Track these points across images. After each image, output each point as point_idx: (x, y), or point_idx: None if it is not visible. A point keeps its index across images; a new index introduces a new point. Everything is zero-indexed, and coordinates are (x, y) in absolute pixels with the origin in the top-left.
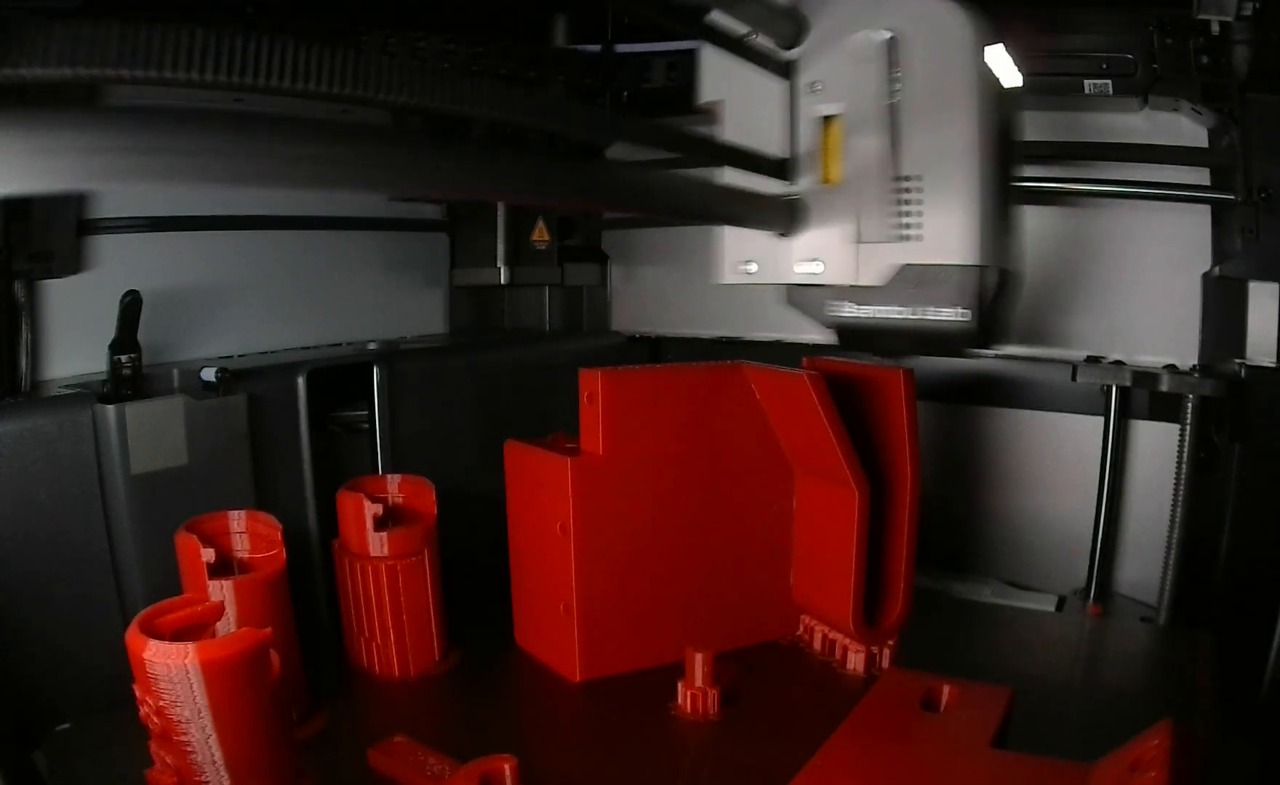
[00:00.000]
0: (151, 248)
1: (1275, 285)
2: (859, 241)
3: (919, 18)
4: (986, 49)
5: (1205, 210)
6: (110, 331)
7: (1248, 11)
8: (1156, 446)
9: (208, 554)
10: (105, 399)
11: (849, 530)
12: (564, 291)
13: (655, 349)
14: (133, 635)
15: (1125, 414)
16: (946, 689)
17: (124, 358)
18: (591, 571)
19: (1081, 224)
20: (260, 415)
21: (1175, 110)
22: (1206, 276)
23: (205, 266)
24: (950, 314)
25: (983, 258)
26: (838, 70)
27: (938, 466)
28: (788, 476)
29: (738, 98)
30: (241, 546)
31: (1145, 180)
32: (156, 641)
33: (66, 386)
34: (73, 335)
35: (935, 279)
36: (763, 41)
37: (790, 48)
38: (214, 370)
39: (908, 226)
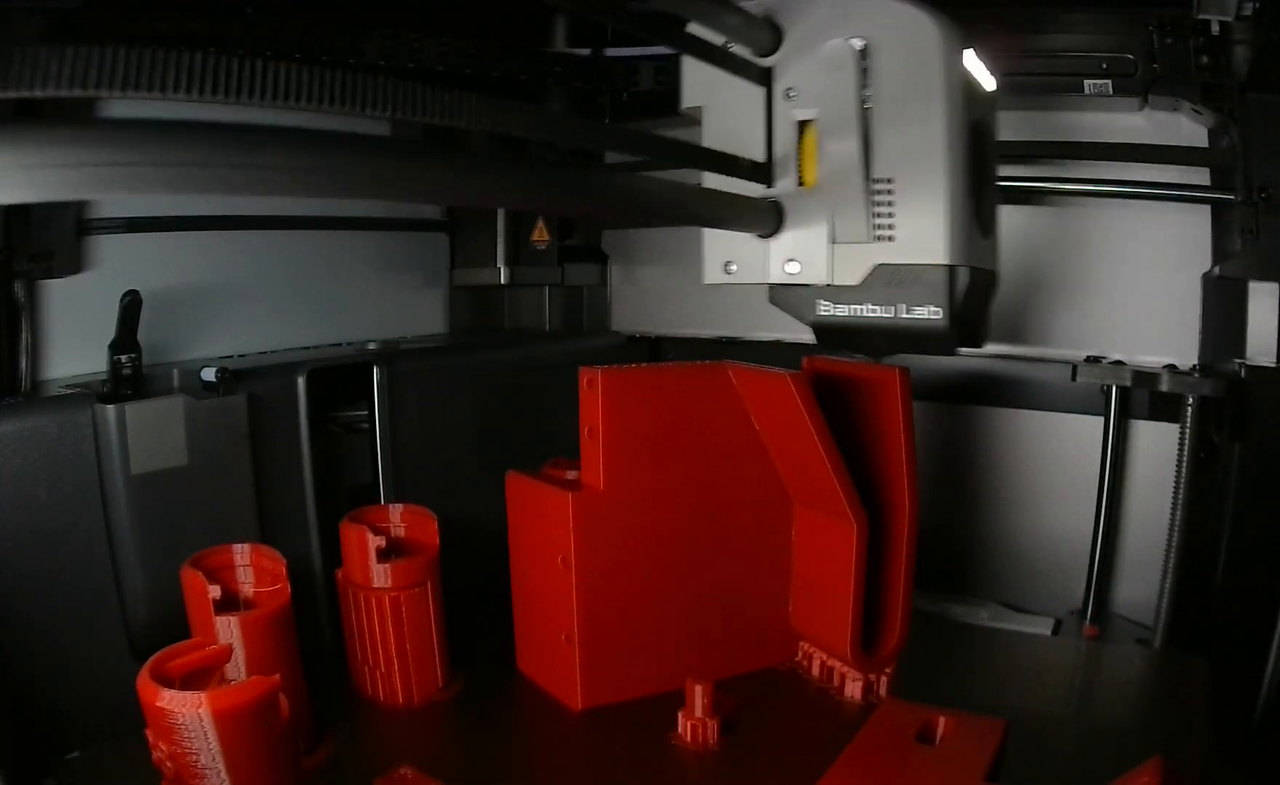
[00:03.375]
0: (151, 248)
1: (1275, 285)
2: (835, 242)
3: (889, 25)
4: (957, 54)
5: (1205, 210)
6: (110, 331)
7: (1248, 11)
8: (1156, 447)
9: (214, 591)
10: (105, 399)
11: (847, 561)
12: (564, 291)
13: (655, 349)
14: (144, 683)
15: (1125, 414)
16: (942, 721)
17: (124, 358)
18: (592, 602)
19: (1082, 224)
20: (260, 415)
21: (1175, 110)
22: (1206, 276)
23: (205, 266)
24: (923, 312)
25: (953, 257)
26: (812, 77)
27: (936, 470)
28: (786, 504)
29: (718, 104)
30: (246, 580)
31: (1145, 180)
32: (169, 691)
33: (66, 386)
34: (73, 335)
35: (908, 278)
36: (740, 50)
37: (767, 56)
38: (214, 370)
39: (881, 227)
